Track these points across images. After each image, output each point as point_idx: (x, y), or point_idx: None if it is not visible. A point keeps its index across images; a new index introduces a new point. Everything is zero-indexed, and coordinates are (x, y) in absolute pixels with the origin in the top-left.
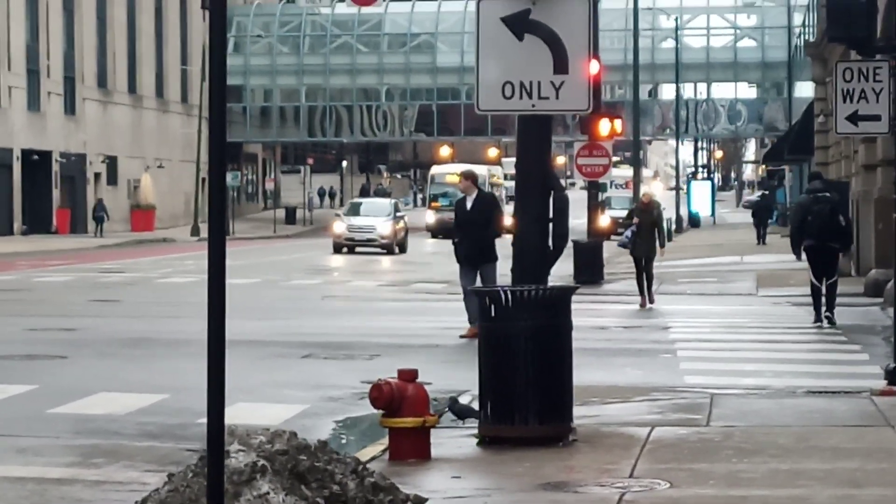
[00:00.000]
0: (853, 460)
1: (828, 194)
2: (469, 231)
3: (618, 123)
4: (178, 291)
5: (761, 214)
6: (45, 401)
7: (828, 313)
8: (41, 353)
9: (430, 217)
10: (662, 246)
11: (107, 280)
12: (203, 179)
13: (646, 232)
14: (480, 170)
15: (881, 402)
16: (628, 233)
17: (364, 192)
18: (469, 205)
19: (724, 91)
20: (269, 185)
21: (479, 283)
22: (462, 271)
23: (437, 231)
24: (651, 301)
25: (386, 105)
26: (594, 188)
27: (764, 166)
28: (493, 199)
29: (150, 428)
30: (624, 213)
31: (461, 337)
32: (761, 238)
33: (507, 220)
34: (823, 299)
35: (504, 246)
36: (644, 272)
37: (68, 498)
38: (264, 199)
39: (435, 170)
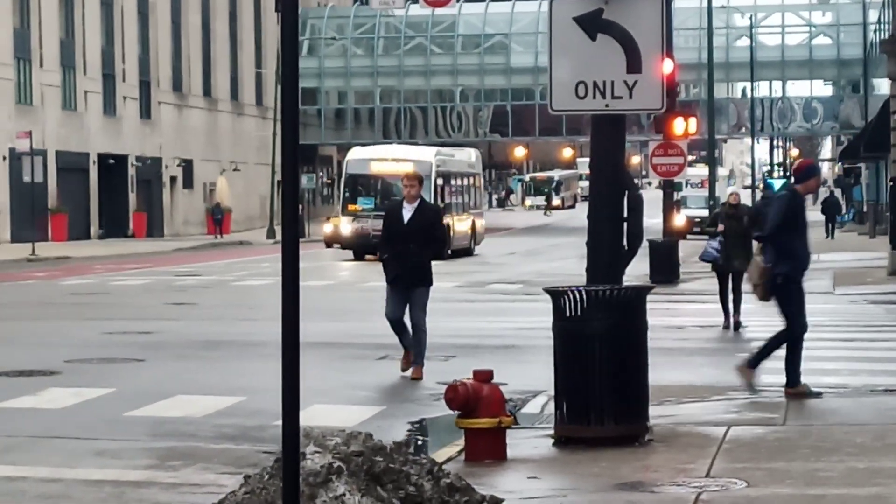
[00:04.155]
0: None
1: None
2: (403, 249)
3: (692, 122)
4: (254, 294)
5: (829, 211)
6: (122, 404)
7: None
8: (118, 356)
9: (344, 225)
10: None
11: (183, 283)
12: (278, 182)
13: (734, 240)
14: (462, 154)
15: None
16: (714, 244)
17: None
18: (407, 216)
19: (799, 89)
20: None
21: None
22: (390, 296)
23: (353, 245)
24: (737, 326)
25: (460, 106)
26: (669, 187)
27: (840, 164)
28: (437, 211)
29: (227, 430)
30: (700, 213)
31: (403, 371)
32: (830, 234)
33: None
34: None
35: (578, 246)
36: (732, 289)
37: (146, 500)
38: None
39: (353, 154)
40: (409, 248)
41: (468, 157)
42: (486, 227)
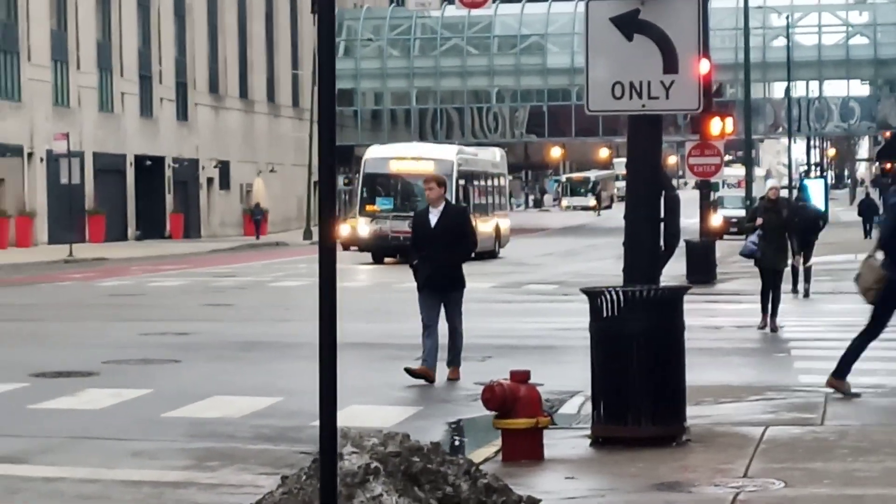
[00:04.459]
0: None
1: None
2: (431, 253)
3: (729, 122)
4: (291, 295)
5: (867, 212)
6: (159, 404)
7: None
8: (156, 357)
9: (361, 226)
10: (798, 253)
11: (220, 284)
12: (315, 183)
13: (774, 235)
14: (486, 154)
15: None
16: (753, 238)
17: None
18: (433, 220)
19: (836, 89)
20: None
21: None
22: (423, 301)
23: (372, 247)
24: (773, 327)
25: (497, 107)
26: (706, 187)
27: (877, 164)
28: (463, 212)
29: (264, 431)
30: (737, 213)
31: (406, 370)
32: (867, 234)
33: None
34: None
35: (615, 247)
36: (771, 287)
37: (184, 501)
38: None
39: (371, 153)
40: (438, 253)
41: (492, 156)
42: (522, 227)
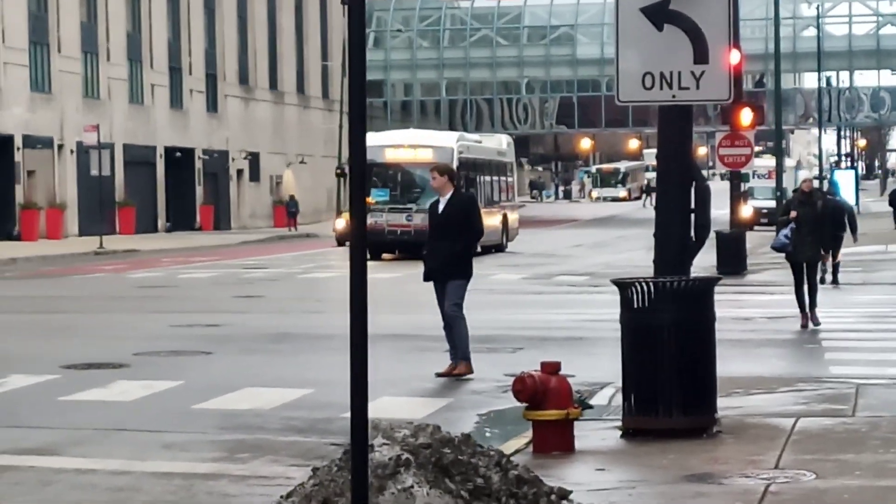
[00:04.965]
0: None
1: None
2: (435, 241)
3: (759, 113)
4: (321, 286)
5: None
6: (190, 396)
7: None
8: (186, 349)
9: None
10: (829, 247)
11: (250, 276)
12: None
13: (808, 229)
14: (491, 141)
15: None
16: (786, 231)
17: None
18: (441, 207)
19: (866, 79)
20: None
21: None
22: (436, 293)
23: (368, 243)
24: (815, 321)
25: (526, 98)
26: (736, 178)
27: None
28: (470, 200)
29: (295, 422)
30: (767, 204)
31: (438, 375)
32: None
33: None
34: None
35: (645, 238)
36: (807, 282)
37: (215, 493)
38: None
39: (370, 140)
40: (441, 242)
41: (498, 143)
42: (552, 218)
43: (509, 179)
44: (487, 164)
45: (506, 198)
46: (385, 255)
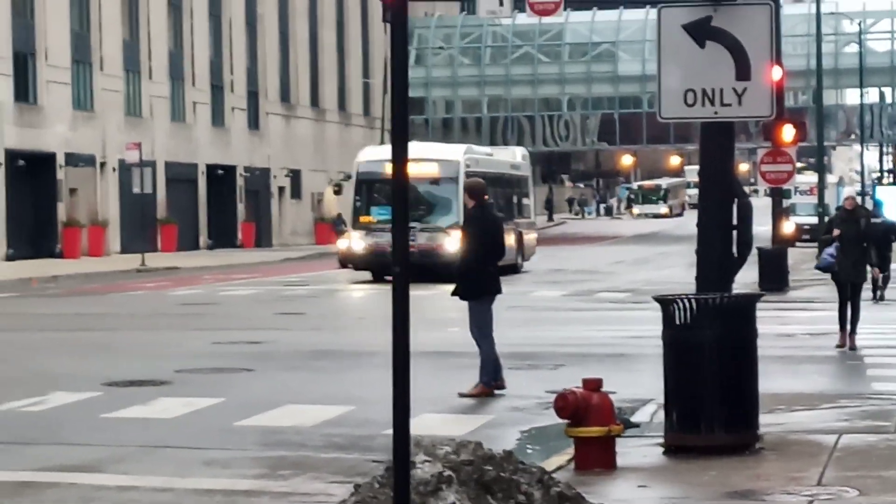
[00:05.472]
0: None
1: None
2: (461, 259)
3: (801, 129)
4: (363, 303)
5: None
6: (232, 413)
7: None
8: (228, 366)
9: (356, 240)
10: (877, 266)
11: (291, 293)
12: None
13: (851, 247)
14: (504, 154)
15: None
16: (831, 250)
17: (549, 202)
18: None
19: None
20: None
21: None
22: None
23: (369, 265)
24: (852, 345)
25: (568, 115)
26: (778, 195)
27: None
28: (475, 217)
29: (337, 439)
30: (809, 220)
31: (461, 395)
32: None
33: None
34: None
35: (687, 254)
36: (849, 302)
37: None
38: None
39: (365, 154)
40: (462, 260)
41: (512, 156)
42: (594, 235)
43: (525, 194)
44: (499, 178)
45: (521, 214)
46: (389, 278)
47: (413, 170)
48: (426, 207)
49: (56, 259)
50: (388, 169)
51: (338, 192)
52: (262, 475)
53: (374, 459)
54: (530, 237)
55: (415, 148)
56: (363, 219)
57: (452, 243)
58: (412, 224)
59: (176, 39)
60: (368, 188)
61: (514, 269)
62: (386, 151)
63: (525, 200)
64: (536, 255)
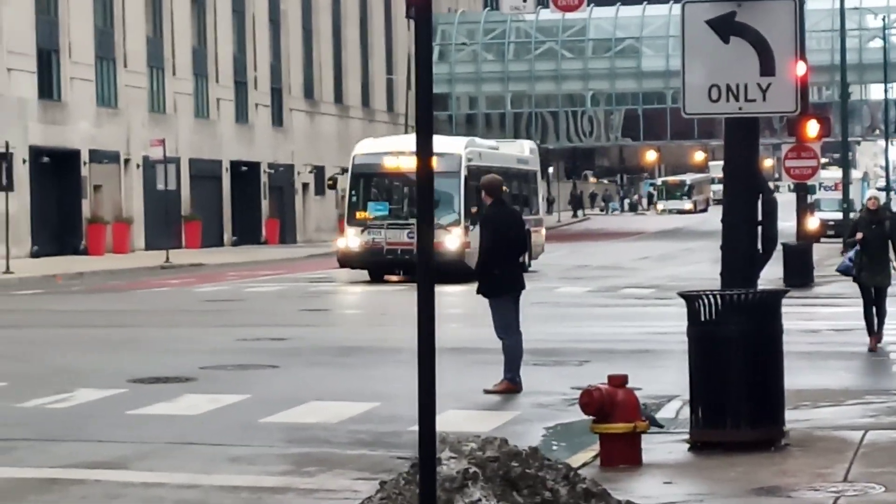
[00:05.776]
0: None
1: None
2: (480, 257)
3: (826, 124)
4: (387, 299)
5: None
6: (257, 410)
7: None
8: (253, 362)
9: (351, 238)
10: None
11: (316, 289)
12: None
13: (874, 249)
14: (510, 148)
15: None
16: (851, 254)
17: (574, 198)
18: None
19: None
20: None
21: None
22: None
23: (366, 263)
24: (874, 346)
25: (591, 110)
26: (803, 190)
27: None
28: (502, 213)
29: (362, 436)
30: (834, 216)
31: (486, 392)
32: None
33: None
34: None
35: (711, 250)
36: (875, 305)
37: None
38: None
39: (361, 147)
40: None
41: (519, 150)
42: (619, 231)
43: (533, 190)
44: (504, 173)
45: (528, 210)
46: (390, 277)
47: (411, 163)
48: None
49: (81, 256)
50: (386, 162)
51: (332, 185)
52: (287, 472)
53: (400, 456)
54: (538, 235)
55: (409, 140)
56: (359, 215)
57: (453, 241)
58: (410, 221)
59: (199, 36)
60: (364, 182)
61: (521, 269)
62: (383, 144)
63: (533, 196)
64: (545, 252)
